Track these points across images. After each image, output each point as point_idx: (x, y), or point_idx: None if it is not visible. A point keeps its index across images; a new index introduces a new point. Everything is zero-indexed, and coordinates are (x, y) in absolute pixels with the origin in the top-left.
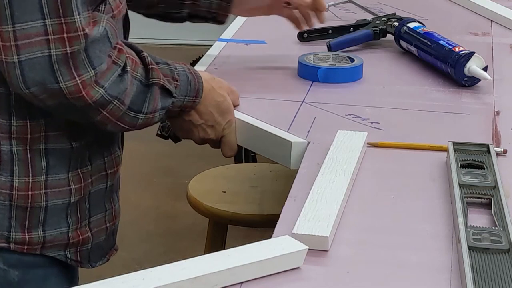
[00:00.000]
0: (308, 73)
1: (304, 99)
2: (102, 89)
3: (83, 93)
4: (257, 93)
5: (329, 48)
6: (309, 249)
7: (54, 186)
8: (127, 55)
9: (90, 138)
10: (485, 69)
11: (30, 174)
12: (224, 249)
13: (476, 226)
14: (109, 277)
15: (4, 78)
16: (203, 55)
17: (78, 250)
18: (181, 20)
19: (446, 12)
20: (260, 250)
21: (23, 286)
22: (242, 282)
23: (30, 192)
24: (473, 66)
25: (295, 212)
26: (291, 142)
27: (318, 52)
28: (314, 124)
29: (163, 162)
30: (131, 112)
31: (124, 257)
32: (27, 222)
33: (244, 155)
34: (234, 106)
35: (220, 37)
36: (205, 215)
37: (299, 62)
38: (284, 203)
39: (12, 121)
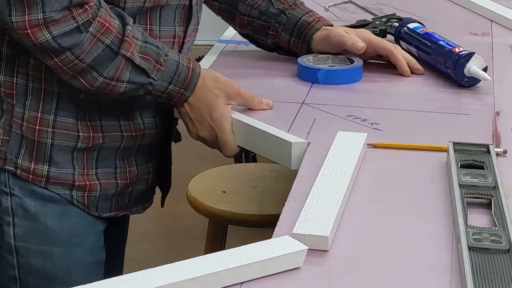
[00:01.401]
0: (307, 74)
1: (304, 100)
2: (49, 35)
3: (29, 31)
4: (257, 94)
5: None
6: (309, 249)
7: (62, 128)
8: (99, 19)
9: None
10: (485, 69)
11: (40, 111)
12: (224, 249)
13: (476, 226)
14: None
15: None
16: (203, 56)
17: (86, 195)
18: (268, 48)
19: (446, 13)
20: (260, 250)
21: (40, 216)
22: (242, 282)
23: (37, 127)
24: (473, 67)
25: (295, 212)
26: (291, 142)
27: (317, 54)
28: (314, 125)
29: None
30: (93, 72)
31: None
32: (34, 153)
33: (244, 155)
34: (256, 109)
35: (221, 38)
36: (205, 215)
37: (298, 64)
38: (284, 203)
39: (30, 59)
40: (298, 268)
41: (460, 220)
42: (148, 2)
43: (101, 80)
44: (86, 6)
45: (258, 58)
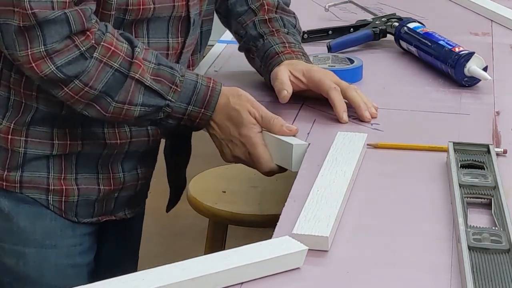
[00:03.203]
0: None
1: (304, 101)
2: (53, 66)
3: (33, 65)
4: (257, 95)
5: (329, 49)
6: (309, 249)
7: (35, 137)
8: (103, 44)
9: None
10: (485, 69)
11: (14, 122)
12: (224, 249)
13: (476, 226)
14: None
15: None
16: (203, 56)
17: (63, 199)
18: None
19: (446, 12)
20: (260, 250)
21: (13, 217)
22: (242, 283)
23: (10, 136)
24: (473, 66)
25: (295, 212)
26: (292, 144)
27: (317, 54)
28: (314, 125)
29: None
30: (106, 97)
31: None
32: (8, 162)
33: None
34: (278, 133)
35: (221, 39)
36: (205, 215)
37: None
38: (284, 204)
39: (12, 73)
40: (298, 268)
41: (460, 220)
42: (129, 15)
43: (114, 105)
44: (88, 33)
45: None
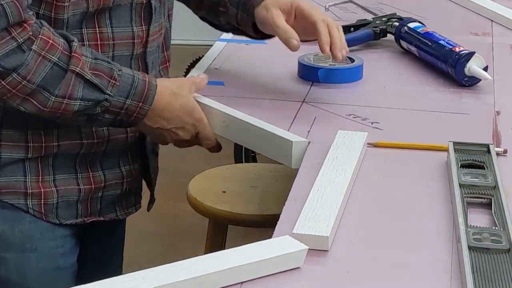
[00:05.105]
0: (308, 73)
1: (304, 99)
2: None
3: None
4: (257, 93)
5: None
6: (309, 249)
7: (8, 140)
8: (41, 36)
9: None
10: (485, 69)
11: None
12: (224, 249)
13: (476, 226)
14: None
15: None
16: (203, 55)
17: (42, 202)
18: (225, 29)
19: (446, 12)
20: (260, 250)
21: None
22: (242, 282)
23: None
24: (474, 66)
25: (295, 212)
26: (292, 141)
27: (318, 52)
28: (315, 124)
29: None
30: (44, 92)
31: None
32: None
33: (244, 155)
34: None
35: (220, 37)
36: (205, 215)
37: (299, 63)
38: (284, 203)
39: None
40: (298, 268)
41: (460, 220)
42: (91, 7)
43: (53, 99)
44: (25, 25)
45: (258, 57)
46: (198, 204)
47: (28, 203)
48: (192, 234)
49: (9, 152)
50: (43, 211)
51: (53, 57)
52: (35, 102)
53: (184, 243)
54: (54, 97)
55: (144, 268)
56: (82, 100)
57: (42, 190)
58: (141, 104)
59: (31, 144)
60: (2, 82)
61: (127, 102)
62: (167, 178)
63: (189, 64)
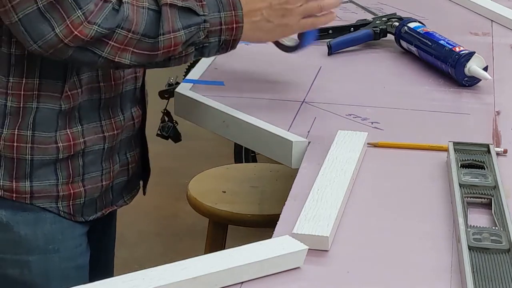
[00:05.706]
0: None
1: (304, 99)
2: (95, 26)
3: (76, 32)
4: (257, 93)
5: (329, 48)
6: (309, 249)
7: (40, 142)
8: None
9: (82, 102)
10: (485, 69)
11: (17, 127)
12: (224, 249)
13: (476, 226)
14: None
15: (7, 38)
16: None
17: (71, 203)
18: None
19: (446, 12)
20: (260, 250)
21: (13, 226)
22: (242, 282)
23: (15, 144)
24: (474, 66)
25: (295, 212)
26: (292, 141)
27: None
28: (315, 123)
29: (163, 162)
30: (148, 39)
31: (124, 257)
32: (14, 172)
33: (244, 155)
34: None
35: None
36: (205, 215)
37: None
38: (284, 203)
39: (10, 78)
40: (298, 268)
41: (460, 220)
42: None
43: (162, 39)
44: None
45: (258, 57)
46: (198, 204)
47: (59, 205)
48: (192, 234)
49: (41, 154)
50: (72, 212)
51: (145, 3)
52: (146, 52)
53: (184, 243)
54: (162, 37)
55: (144, 268)
56: (184, 29)
57: (72, 191)
58: (233, 11)
59: (61, 144)
60: (110, 42)
61: (221, 15)
62: (167, 178)
63: (189, 64)
